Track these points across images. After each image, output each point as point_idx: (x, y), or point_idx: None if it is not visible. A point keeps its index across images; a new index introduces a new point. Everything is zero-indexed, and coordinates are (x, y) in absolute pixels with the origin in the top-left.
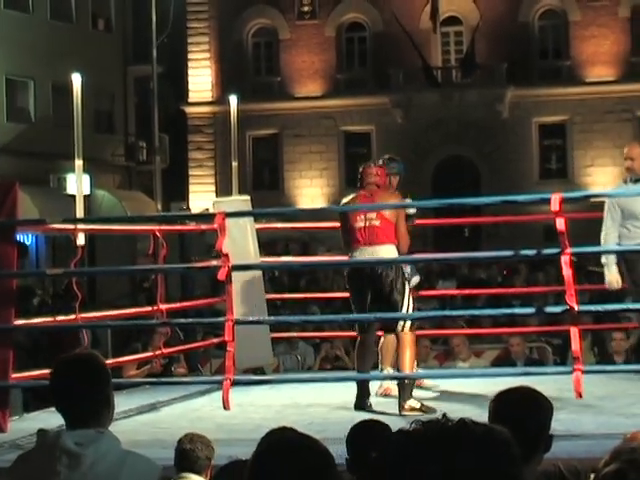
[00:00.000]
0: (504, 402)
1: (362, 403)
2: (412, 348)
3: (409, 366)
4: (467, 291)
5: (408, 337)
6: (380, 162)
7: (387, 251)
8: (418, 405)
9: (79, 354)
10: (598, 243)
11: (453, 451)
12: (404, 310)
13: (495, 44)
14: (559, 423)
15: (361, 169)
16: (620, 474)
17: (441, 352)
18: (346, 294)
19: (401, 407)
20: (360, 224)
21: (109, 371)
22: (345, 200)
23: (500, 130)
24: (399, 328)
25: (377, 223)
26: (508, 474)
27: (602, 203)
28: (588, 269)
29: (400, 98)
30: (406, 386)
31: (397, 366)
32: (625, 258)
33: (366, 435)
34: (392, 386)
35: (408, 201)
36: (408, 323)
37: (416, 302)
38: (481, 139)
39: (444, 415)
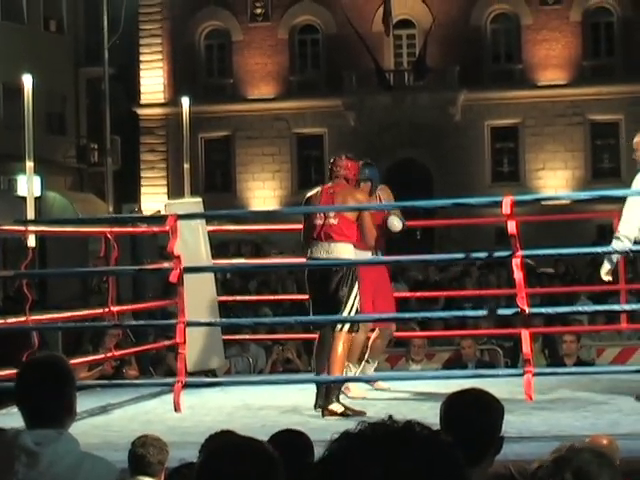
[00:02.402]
0: (455, 404)
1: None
2: (344, 349)
3: (339, 368)
4: (419, 294)
5: (342, 337)
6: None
7: (342, 248)
8: (340, 410)
9: (46, 356)
10: (549, 245)
11: (397, 452)
12: (347, 309)
13: (447, 47)
14: (510, 425)
15: (332, 161)
16: (553, 471)
17: (394, 354)
18: (297, 296)
19: (324, 410)
20: (318, 221)
21: (73, 374)
22: (309, 194)
23: (452, 133)
24: (337, 327)
25: (334, 222)
26: (451, 477)
27: (553, 206)
28: (538, 271)
29: (353, 101)
30: (331, 389)
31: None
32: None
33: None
34: (351, 386)
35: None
36: (347, 325)
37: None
38: (433, 142)
39: (390, 417)
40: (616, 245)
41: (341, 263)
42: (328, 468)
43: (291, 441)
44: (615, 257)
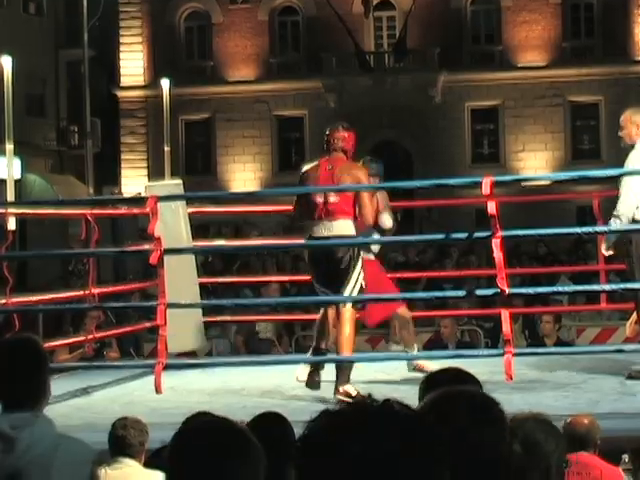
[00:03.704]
0: (433, 383)
1: (312, 381)
2: (352, 326)
3: (348, 346)
4: (399, 274)
5: (348, 314)
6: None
7: (343, 225)
8: (354, 392)
9: (18, 338)
10: (529, 226)
11: (376, 431)
12: (349, 287)
13: (428, 29)
14: None
15: (328, 132)
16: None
17: (374, 335)
18: (278, 277)
19: (336, 390)
20: (319, 199)
21: (47, 356)
22: (306, 168)
23: (433, 115)
24: (343, 306)
25: (334, 200)
26: (432, 455)
27: (534, 187)
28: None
29: (333, 83)
30: (344, 368)
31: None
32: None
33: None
34: (424, 362)
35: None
36: (350, 304)
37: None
38: (414, 124)
39: (369, 396)
40: (614, 223)
41: (326, 244)
42: (307, 447)
43: (270, 424)
44: (614, 235)
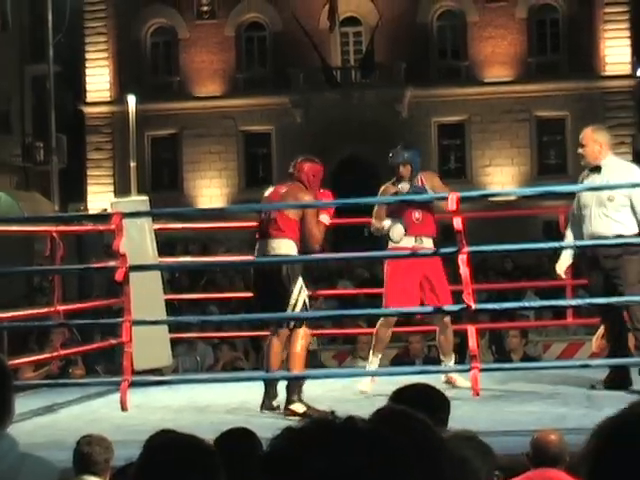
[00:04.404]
0: (400, 399)
1: (268, 404)
2: (303, 346)
3: (299, 364)
4: (366, 290)
5: (300, 334)
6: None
7: (280, 245)
8: (302, 410)
9: None
10: (495, 241)
11: (340, 447)
12: (291, 306)
13: (394, 44)
14: (456, 420)
15: (292, 162)
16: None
17: (341, 351)
18: (244, 294)
19: (285, 409)
20: (263, 216)
21: (11, 373)
22: (265, 193)
23: (399, 130)
24: (290, 325)
25: (274, 217)
26: (394, 470)
27: (500, 202)
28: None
29: (300, 98)
30: (292, 387)
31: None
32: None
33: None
34: (456, 375)
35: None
36: (292, 323)
37: (315, 301)
38: (380, 139)
39: (332, 413)
40: None
41: (285, 260)
42: (271, 463)
43: (238, 439)
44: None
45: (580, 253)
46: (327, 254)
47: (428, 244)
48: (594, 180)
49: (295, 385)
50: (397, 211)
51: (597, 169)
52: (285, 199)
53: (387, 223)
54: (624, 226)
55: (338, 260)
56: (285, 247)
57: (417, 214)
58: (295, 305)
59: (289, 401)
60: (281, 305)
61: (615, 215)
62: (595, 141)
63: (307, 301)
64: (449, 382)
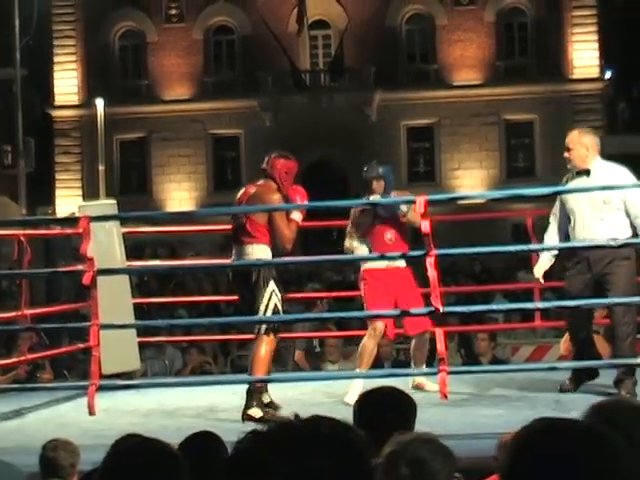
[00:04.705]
0: (367, 402)
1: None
2: (267, 351)
3: (260, 370)
4: (334, 294)
5: (264, 340)
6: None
7: (252, 251)
8: (259, 415)
9: None
10: (464, 244)
11: (305, 449)
12: (261, 311)
13: (363, 48)
14: (424, 423)
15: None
16: (389, 467)
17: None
18: (213, 297)
19: (243, 414)
20: (233, 222)
21: None
22: (237, 195)
23: (368, 133)
24: (256, 330)
25: (242, 222)
26: (358, 471)
27: (469, 205)
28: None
29: (269, 101)
30: (251, 393)
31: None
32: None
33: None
34: (425, 380)
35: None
36: (264, 326)
37: (285, 305)
38: (349, 142)
39: (296, 415)
40: None
41: (252, 264)
42: (236, 467)
43: (203, 443)
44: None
45: (566, 256)
46: (296, 257)
47: (401, 265)
48: (583, 184)
49: (255, 391)
50: (368, 232)
51: (585, 172)
52: (253, 202)
53: (355, 244)
54: (619, 230)
55: (307, 263)
56: (258, 252)
57: (389, 234)
58: (265, 311)
59: (247, 406)
60: (251, 310)
61: (610, 218)
62: (582, 144)
63: (279, 305)
64: (418, 387)
